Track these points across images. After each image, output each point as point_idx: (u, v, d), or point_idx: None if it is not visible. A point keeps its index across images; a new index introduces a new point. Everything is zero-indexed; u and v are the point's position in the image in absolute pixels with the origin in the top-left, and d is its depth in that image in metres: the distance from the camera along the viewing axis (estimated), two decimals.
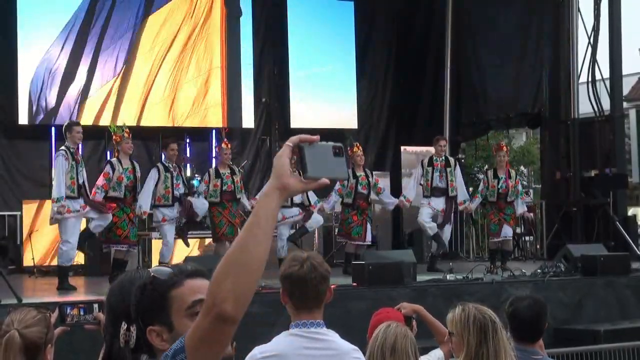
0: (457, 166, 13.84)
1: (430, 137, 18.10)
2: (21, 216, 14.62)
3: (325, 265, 3.80)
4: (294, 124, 17.76)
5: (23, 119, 15.69)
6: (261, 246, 1.98)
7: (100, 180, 11.55)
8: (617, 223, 14.62)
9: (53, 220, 11.27)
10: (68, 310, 3.54)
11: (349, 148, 13.53)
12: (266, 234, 1.99)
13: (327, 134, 13.72)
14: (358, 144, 13.87)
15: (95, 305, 3.53)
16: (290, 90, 17.91)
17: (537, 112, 17.03)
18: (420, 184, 13.61)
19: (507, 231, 13.47)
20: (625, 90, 19.27)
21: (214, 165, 14.02)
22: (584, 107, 16.34)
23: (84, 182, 11.26)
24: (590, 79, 16.06)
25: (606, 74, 15.92)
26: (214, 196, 12.66)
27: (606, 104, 15.92)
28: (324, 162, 2.05)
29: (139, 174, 11.82)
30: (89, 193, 11.35)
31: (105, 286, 11.48)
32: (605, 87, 15.95)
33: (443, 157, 13.60)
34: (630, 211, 17.31)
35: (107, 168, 11.64)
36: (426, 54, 18.82)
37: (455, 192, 13.47)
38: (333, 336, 3.78)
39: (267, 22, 18.02)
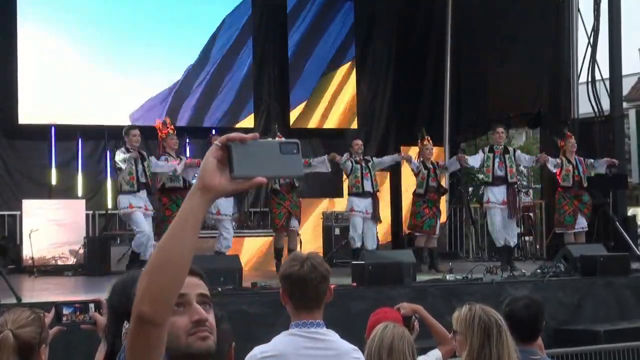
0: (517, 152, 13.83)
1: (430, 137, 18.18)
2: (21, 216, 14.62)
3: (325, 265, 3.80)
4: (294, 124, 17.79)
5: (23, 118, 15.69)
6: (180, 247, 1.92)
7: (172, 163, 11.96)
8: (617, 223, 14.60)
9: (123, 217, 12.25)
10: (64, 310, 3.54)
11: (419, 140, 13.83)
12: (185, 235, 1.93)
13: (327, 134, 13.76)
14: (429, 138, 14.01)
15: (92, 305, 3.53)
16: (290, 90, 17.92)
17: (537, 112, 17.03)
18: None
19: (582, 222, 13.48)
20: (625, 90, 19.25)
21: None
22: (584, 107, 16.34)
23: (146, 178, 11.81)
24: (590, 79, 16.05)
25: (606, 74, 15.91)
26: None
27: (606, 104, 15.92)
28: (264, 160, 1.96)
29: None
30: (152, 186, 11.96)
31: (105, 286, 11.50)
32: (605, 87, 15.95)
33: (502, 145, 13.54)
34: (630, 211, 17.30)
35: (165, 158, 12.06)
36: (426, 54, 18.82)
37: (514, 179, 13.50)
38: (333, 336, 3.78)
39: (267, 22, 18.03)
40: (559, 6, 16.50)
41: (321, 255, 14.94)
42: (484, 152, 13.60)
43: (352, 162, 13.36)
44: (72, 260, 14.33)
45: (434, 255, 13.59)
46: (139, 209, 11.76)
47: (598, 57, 16.10)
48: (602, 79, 16.02)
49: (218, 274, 9.61)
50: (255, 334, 8.47)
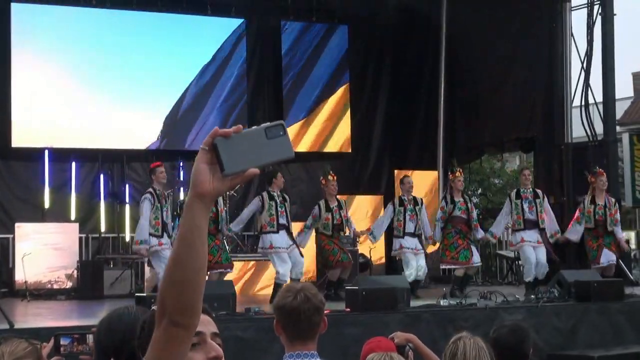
0: (545, 198, 13.51)
1: (423, 161, 18.24)
2: (14, 239, 14.59)
3: (320, 296, 3.78)
4: None
5: (16, 141, 15.68)
6: (191, 258, 1.95)
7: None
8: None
9: (150, 261, 12.15)
10: (62, 341, 3.54)
11: (450, 173, 13.81)
12: (192, 245, 1.95)
13: (321, 158, 13.78)
14: (460, 170, 13.96)
15: (89, 336, 3.53)
16: (284, 114, 17.94)
17: (531, 137, 17.06)
18: (507, 225, 13.56)
19: (609, 256, 13.22)
20: (618, 114, 19.33)
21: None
22: (577, 130, 16.37)
23: (166, 220, 11.98)
24: (583, 103, 16.10)
25: (599, 98, 15.96)
26: (327, 229, 13.32)
27: (599, 128, 15.95)
28: (253, 150, 1.93)
29: (220, 207, 12.39)
30: (170, 229, 12.01)
31: (98, 310, 11.47)
32: (599, 111, 15.99)
33: (530, 189, 13.41)
34: (624, 235, 17.28)
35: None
36: (420, 78, 18.87)
37: (544, 224, 13.24)
38: None
39: (262, 47, 18.07)
40: (552, 31, 16.56)
41: (314, 279, 15.10)
42: (511, 201, 13.44)
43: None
44: (65, 284, 14.29)
45: (464, 281, 13.54)
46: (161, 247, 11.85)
47: (591, 81, 16.17)
48: (596, 103, 16.06)
49: (211, 299, 9.56)
50: (250, 359, 8.48)
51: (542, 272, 13.25)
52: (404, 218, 13.59)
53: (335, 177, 13.47)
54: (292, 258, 12.57)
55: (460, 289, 13.09)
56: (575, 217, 13.50)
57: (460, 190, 13.58)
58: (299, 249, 12.75)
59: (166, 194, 12.19)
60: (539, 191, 13.53)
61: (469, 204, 13.49)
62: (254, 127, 1.95)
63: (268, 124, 1.95)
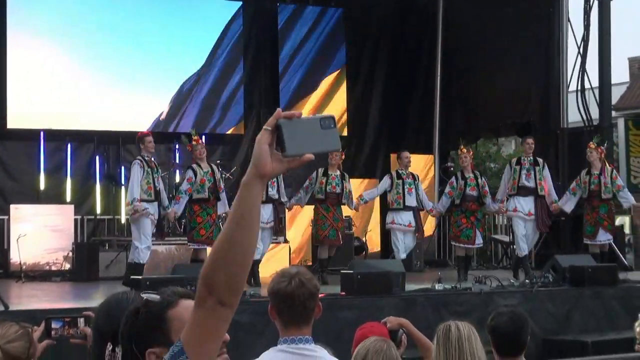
0: (546, 166, 13.51)
1: (420, 145, 18.22)
2: (8, 220, 14.57)
3: (314, 281, 3.79)
4: None
5: (11, 122, 15.65)
6: (248, 238, 1.99)
7: (184, 185, 12.16)
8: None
9: (131, 219, 12.10)
10: (53, 324, 3.54)
11: (460, 149, 13.87)
12: (252, 226, 1.99)
13: None
14: (462, 147, 13.88)
15: (81, 320, 3.53)
16: (281, 97, 17.93)
17: (527, 121, 17.05)
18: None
19: (606, 236, 13.16)
20: (614, 99, 19.31)
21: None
22: (573, 116, 16.37)
23: (160, 188, 11.97)
24: (579, 88, 16.09)
25: (595, 83, 15.95)
26: (320, 193, 13.12)
27: (595, 113, 15.95)
28: (309, 136, 2.00)
29: (218, 176, 12.38)
30: (164, 198, 12.09)
31: (93, 292, 11.49)
32: (595, 96, 15.99)
33: (531, 157, 13.40)
34: (618, 220, 17.31)
35: (189, 173, 12.23)
36: (417, 62, 18.85)
37: (544, 192, 13.23)
38: (321, 352, 3.76)
39: (258, 30, 18.03)
40: (549, 15, 16.53)
41: (309, 263, 15.11)
42: (510, 166, 13.51)
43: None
44: (60, 266, 14.29)
45: (466, 264, 13.55)
46: (150, 217, 11.83)
47: (587, 66, 16.16)
48: (592, 88, 16.05)
49: None
50: (245, 343, 8.49)
51: (530, 243, 13.31)
52: (403, 191, 13.63)
53: (343, 154, 13.70)
54: None
55: (465, 270, 13.13)
56: (571, 187, 13.47)
57: (466, 167, 13.51)
58: None
59: (156, 163, 12.15)
60: (540, 160, 13.49)
61: (479, 180, 13.44)
62: (309, 116, 2.04)
63: (321, 115, 2.05)
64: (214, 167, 12.50)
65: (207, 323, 2.02)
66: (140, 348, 2.30)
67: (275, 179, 12.56)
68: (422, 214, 14.21)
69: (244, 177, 1.99)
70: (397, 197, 13.66)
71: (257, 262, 12.21)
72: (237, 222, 1.97)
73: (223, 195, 12.44)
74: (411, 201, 13.65)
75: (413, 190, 13.69)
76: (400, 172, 13.80)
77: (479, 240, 13.50)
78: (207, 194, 12.08)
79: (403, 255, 13.51)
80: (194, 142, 12.34)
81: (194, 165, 12.25)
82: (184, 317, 2.25)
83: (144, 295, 2.37)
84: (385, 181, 13.89)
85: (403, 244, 13.67)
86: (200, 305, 2.01)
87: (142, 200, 11.64)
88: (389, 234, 14.14)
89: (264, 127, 1.97)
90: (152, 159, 12.03)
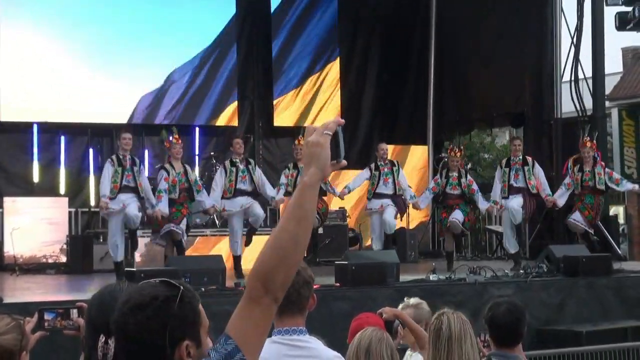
0: (536, 164, 13.48)
1: (413, 136, 18.25)
2: (2, 213, 14.54)
3: (309, 270, 3.78)
4: (277, 122, 17.80)
5: (5, 115, 15.61)
6: (308, 238, 2.03)
7: (162, 185, 12.09)
8: (599, 223, 14.63)
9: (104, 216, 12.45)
10: (46, 316, 3.53)
11: (449, 151, 14.14)
12: (310, 225, 2.03)
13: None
14: (452, 147, 14.27)
15: (74, 311, 3.52)
16: (274, 88, 17.91)
17: (520, 112, 17.06)
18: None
19: (577, 217, 13.17)
20: (608, 89, 19.32)
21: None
22: (566, 106, 16.37)
23: (137, 184, 12.00)
24: (573, 79, 16.08)
25: (589, 73, 15.95)
26: (291, 186, 13.20)
27: (589, 103, 15.95)
28: (343, 144, 2.09)
29: (191, 177, 12.39)
30: (148, 193, 12.12)
31: (87, 285, 11.48)
32: (588, 86, 15.98)
33: (520, 157, 13.39)
34: (612, 210, 17.38)
35: (163, 173, 12.21)
36: (410, 53, 18.85)
37: (535, 190, 13.22)
38: (315, 343, 3.76)
39: (252, 21, 18.00)
40: (543, 5, 16.52)
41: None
42: (501, 168, 13.50)
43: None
44: (54, 259, 14.27)
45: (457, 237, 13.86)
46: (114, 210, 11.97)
47: (581, 56, 16.14)
48: (585, 78, 16.05)
49: (201, 274, 9.62)
50: None
51: (517, 220, 13.27)
52: (377, 182, 13.83)
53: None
54: None
55: (450, 262, 13.21)
56: (567, 183, 13.45)
57: (456, 167, 13.59)
58: None
59: (134, 159, 12.19)
60: (529, 158, 13.49)
61: (462, 179, 13.47)
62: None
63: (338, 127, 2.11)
64: (188, 168, 12.52)
65: (263, 320, 2.06)
66: (172, 341, 2.12)
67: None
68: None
69: (306, 179, 2.02)
70: (371, 188, 13.94)
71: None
72: (301, 221, 2.00)
73: (202, 192, 12.45)
74: (385, 189, 13.79)
75: (390, 179, 13.84)
76: (378, 163, 13.97)
77: (457, 216, 13.37)
78: (177, 194, 12.13)
79: (379, 245, 13.63)
80: (173, 141, 12.36)
81: (167, 165, 12.31)
82: (205, 317, 2.24)
83: (179, 284, 2.19)
84: (365, 172, 14.07)
85: (379, 229, 13.77)
86: (256, 303, 2.03)
87: (110, 198, 11.83)
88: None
89: (325, 131, 2.00)
90: (128, 155, 12.09)
